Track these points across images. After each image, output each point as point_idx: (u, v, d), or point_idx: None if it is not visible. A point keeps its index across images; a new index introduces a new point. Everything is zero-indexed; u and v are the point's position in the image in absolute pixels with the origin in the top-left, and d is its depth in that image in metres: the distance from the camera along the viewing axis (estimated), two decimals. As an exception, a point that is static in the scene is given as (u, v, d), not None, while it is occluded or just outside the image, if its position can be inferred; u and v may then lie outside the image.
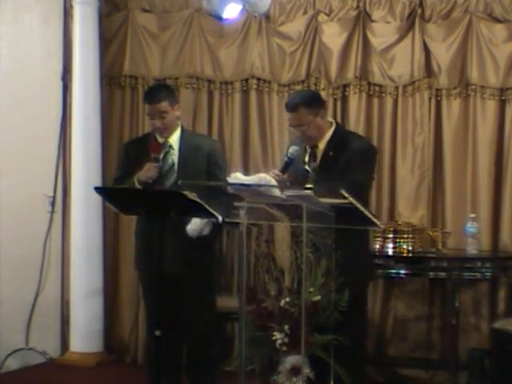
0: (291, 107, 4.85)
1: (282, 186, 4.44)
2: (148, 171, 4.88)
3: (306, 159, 4.84)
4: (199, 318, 5.05)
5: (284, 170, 4.66)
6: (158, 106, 4.98)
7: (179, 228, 4.81)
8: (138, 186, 4.87)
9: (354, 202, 4.04)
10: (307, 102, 4.82)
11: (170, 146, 5.07)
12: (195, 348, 5.13)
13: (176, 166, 5.03)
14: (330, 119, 5.08)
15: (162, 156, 4.99)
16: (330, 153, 4.79)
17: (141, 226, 5.09)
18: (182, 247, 4.88)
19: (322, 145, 4.84)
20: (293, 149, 4.75)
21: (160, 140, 5.05)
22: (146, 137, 5.25)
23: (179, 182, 4.66)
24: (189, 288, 4.99)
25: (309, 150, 4.85)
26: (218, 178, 4.96)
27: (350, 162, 4.71)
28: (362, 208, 4.08)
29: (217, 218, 4.43)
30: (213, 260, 5.23)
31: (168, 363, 4.95)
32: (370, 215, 4.15)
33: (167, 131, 5.04)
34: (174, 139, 5.08)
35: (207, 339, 5.13)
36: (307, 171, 4.81)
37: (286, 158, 4.74)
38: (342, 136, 4.89)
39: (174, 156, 5.05)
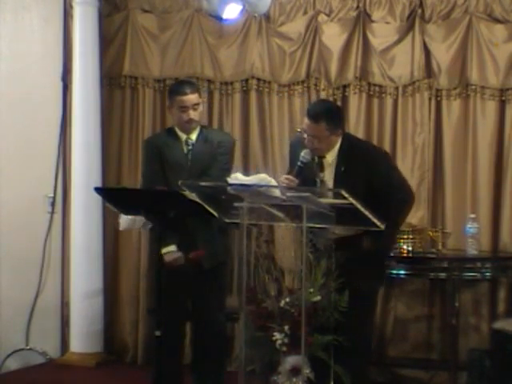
0: (313, 118, 4.66)
1: (281, 186, 4.45)
2: None
3: (314, 168, 4.74)
4: (219, 315, 5.16)
5: (298, 174, 4.59)
6: (191, 98, 5.09)
7: (208, 224, 4.92)
8: None
9: (354, 202, 4.04)
10: (330, 117, 4.67)
11: (191, 143, 5.16)
12: (213, 347, 5.17)
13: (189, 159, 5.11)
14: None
15: (186, 152, 5.10)
16: (342, 168, 4.69)
17: None
18: (210, 242, 5.01)
19: (330, 156, 4.73)
20: (305, 153, 4.63)
21: (183, 136, 5.13)
22: (167, 132, 5.31)
23: (179, 182, 4.65)
24: (210, 285, 5.06)
25: (316, 159, 4.73)
26: (220, 161, 5.06)
27: (371, 180, 4.61)
28: (362, 209, 4.08)
29: (216, 217, 4.46)
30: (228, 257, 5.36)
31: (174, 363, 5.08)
32: (370, 216, 4.15)
33: (196, 123, 5.13)
34: (193, 137, 5.16)
35: (224, 337, 5.26)
36: (315, 181, 4.73)
37: (299, 163, 4.62)
38: (351, 146, 4.75)
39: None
